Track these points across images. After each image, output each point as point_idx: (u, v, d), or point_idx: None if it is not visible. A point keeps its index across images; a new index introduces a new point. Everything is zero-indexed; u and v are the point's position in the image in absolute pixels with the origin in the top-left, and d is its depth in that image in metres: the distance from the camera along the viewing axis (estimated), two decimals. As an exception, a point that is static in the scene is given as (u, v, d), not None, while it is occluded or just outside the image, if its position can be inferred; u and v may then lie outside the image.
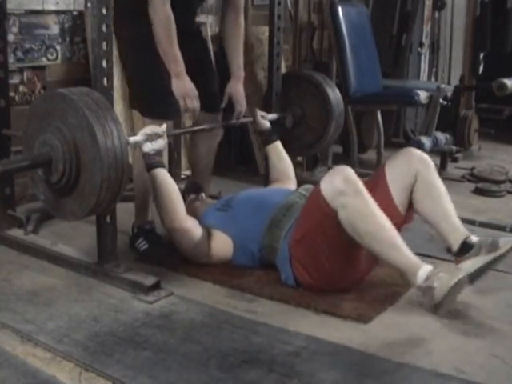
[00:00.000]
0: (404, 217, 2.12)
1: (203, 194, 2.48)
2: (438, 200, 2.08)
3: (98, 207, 1.87)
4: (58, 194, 1.93)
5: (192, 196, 2.45)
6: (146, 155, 2.11)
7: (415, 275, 1.81)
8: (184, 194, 2.44)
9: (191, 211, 2.36)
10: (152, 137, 2.10)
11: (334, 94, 2.94)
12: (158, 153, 2.12)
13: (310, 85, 2.95)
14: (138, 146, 2.12)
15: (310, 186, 2.29)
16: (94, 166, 1.78)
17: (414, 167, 2.10)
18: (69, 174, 1.84)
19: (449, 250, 2.12)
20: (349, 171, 1.90)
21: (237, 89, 2.53)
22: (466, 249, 2.01)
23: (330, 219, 1.87)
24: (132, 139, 2.08)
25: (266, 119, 2.68)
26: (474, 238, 2.02)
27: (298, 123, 2.95)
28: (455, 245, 2.03)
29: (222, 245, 2.19)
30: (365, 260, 2.01)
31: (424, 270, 1.81)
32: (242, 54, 2.56)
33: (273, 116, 2.78)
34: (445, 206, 2.08)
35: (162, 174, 2.12)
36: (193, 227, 2.16)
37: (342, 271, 1.98)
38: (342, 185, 1.86)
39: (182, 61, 2.25)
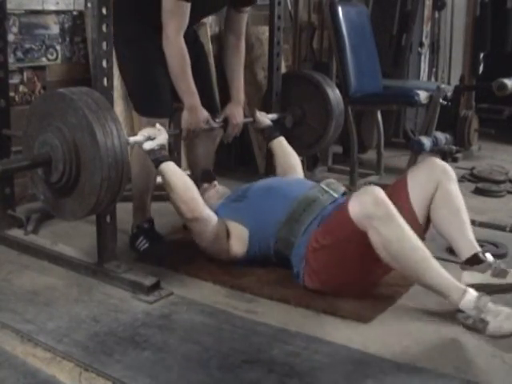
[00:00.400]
0: (424, 228, 2.09)
1: (216, 183, 2.45)
2: (457, 213, 2.05)
3: (98, 207, 1.87)
4: (58, 193, 1.93)
5: (205, 185, 2.42)
6: (151, 152, 2.08)
7: (459, 300, 1.76)
8: (197, 183, 2.43)
9: (205, 200, 2.33)
10: (152, 135, 2.09)
11: (334, 94, 2.94)
12: (163, 147, 2.10)
13: (309, 85, 2.96)
14: (138, 145, 2.12)
15: (333, 182, 2.24)
16: (94, 165, 1.78)
17: (435, 177, 2.07)
18: (69, 173, 1.84)
19: (451, 250, 2.12)
20: (379, 193, 1.84)
21: (235, 112, 2.51)
22: (474, 261, 1.99)
23: (357, 239, 1.84)
24: (132, 139, 2.08)
25: (265, 117, 2.67)
26: (487, 255, 2.01)
27: (297, 123, 2.95)
28: (465, 255, 2.01)
29: (240, 237, 2.15)
30: (381, 272, 1.99)
31: (470, 295, 1.75)
32: (242, 78, 2.56)
33: (273, 116, 2.78)
34: (462, 219, 2.05)
35: (173, 166, 2.10)
36: (212, 216, 2.13)
37: (357, 283, 1.96)
38: (371, 207, 1.81)
39: (196, 93, 2.26)
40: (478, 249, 2.02)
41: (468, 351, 1.70)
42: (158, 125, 2.15)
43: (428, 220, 2.09)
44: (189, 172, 3.17)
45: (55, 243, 2.34)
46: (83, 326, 1.81)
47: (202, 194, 2.35)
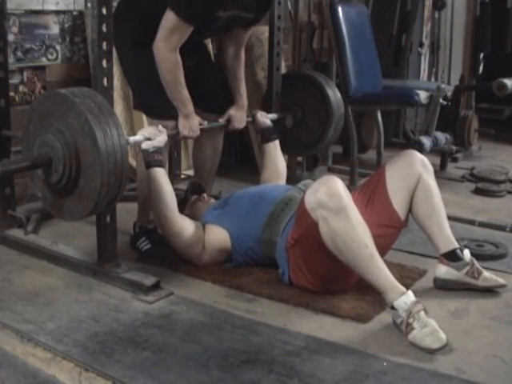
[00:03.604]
0: (404, 220, 2.12)
1: (205, 195, 2.48)
2: (436, 208, 2.09)
3: (96, 210, 1.88)
4: (57, 194, 1.93)
5: (194, 197, 2.45)
6: (144, 152, 2.11)
7: (396, 299, 1.77)
8: (186, 194, 2.45)
9: (194, 212, 2.36)
10: (152, 135, 2.11)
11: (336, 97, 2.92)
12: (158, 150, 2.12)
13: (311, 86, 2.94)
14: (137, 145, 2.13)
15: (309, 181, 2.28)
16: (94, 170, 1.78)
17: (416, 170, 2.09)
18: (68, 176, 1.84)
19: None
20: (334, 184, 1.84)
21: (238, 116, 2.53)
22: (452, 257, 2.06)
23: (315, 227, 1.86)
24: (132, 139, 2.08)
25: (266, 118, 2.68)
26: (464, 253, 2.06)
27: (297, 123, 2.94)
28: (444, 249, 2.07)
29: (217, 235, 2.18)
30: None
31: (408, 298, 1.76)
32: (244, 83, 2.57)
33: (273, 116, 2.78)
34: (442, 215, 2.10)
35: (159, 174, 2.11)
36: (185, 226, 2.15)
37: (337, 274, 1.97)
38: (324, 197, 1.82)
39: (190, 102, 2.26)
40: (457, 245, 2.08)
41: (468, 351, 1.70)
42: (160, 126, 2.16)
43: (408, 211, 2.12)
44: (191, 172, 3.19)
45: (55, 243, 2.34)
46: (83, 326, 1.81)
47: (191, 206, 2.40)
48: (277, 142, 2.65)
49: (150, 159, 2.11)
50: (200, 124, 2.36)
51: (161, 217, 2.14)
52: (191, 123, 2.30)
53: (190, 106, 2.28)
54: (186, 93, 2.24)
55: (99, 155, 1.76)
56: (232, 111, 2.52)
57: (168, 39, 2.14)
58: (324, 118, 2.90)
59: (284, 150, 2.70)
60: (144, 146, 2.10)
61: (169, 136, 2.22)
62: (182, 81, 2.21)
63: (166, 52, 2.16)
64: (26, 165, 1.90)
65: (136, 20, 2.26)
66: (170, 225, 2.14)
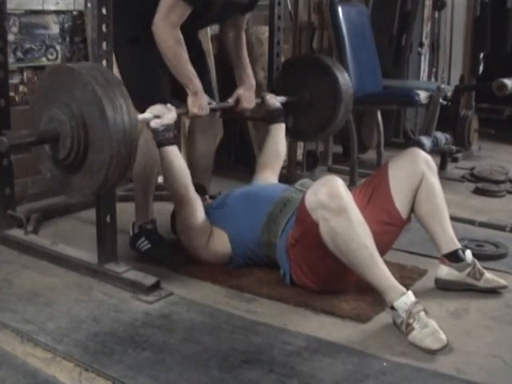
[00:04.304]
0: (406, 219, 2.12)
1: (207, 197, 2.47)
2: (439, 208, 2.09)
3: (106, 184, 1.82)
4: (65, 170, 1.88)
5: None
6: (155, 131, 2.08)
7: (396, 299, 1.77)
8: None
9: None
10: (160, 113, 2.08)
11: (344, 79, 2.83)
12: (168, 128, 2.10)
13: (319, 68, 2.86)
14: (145, 123, 2.09)
15: (306, 181, 2.28)
16: (103, 141, 1.73)
17: (420, 169, 2.09)
18: (77, 150, 1.78)
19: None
20: (335, 184, 1.84)
21: (247, 95, 2.51)
22: (454, 257, 2.05)
23: (316, 227, 1.86)
24: (140, 116, 2.04)
25: (275, 100, 2.66)
26: (466, 253, 2.06)
27: (306, 107, 2.85)
28: (446, 250, 2.07)
29: (220, 241, 2.19)
30: None
31: (408, 298, 1.76)
32: (249, 64, 2.56)
33: (281, 98, 2.72)
34: (444, 215, 2.09)
35: (172, 153, 2.10)
36: (199, 208, 2.17)
37: (338, 273, 1.97)
38: (325, 198, 1.82)
39: (197, 77, 2.25)
40: (459, 245, 2.08)
41: (468, 351, 1.70)
42: (169, 104, 2.14)
43: (411, 210, 2.12)
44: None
45: (55, 243, 2.34)
46: (83, 326, 1.81)
47: None
48: (283, 125, 2.64)
49: (161, 138, 2.09)
50: (209, 103, 2.33)
51: (176, 195, 2.15)
52: (201, 101, 2.27)
53: (198, 82, 2.25)
54: (191, 68, 2.22)
55: (107, 125, 1.71)
56: (240, 91, 2.51)
57: (167, 16, 2.14)
58: (333, 100, 2.81)
59: (293, 134, 2.65)
60: (153, 124, 2.07)
61: (178, 114, 2.19)
62: (186, 57, 2.20)
63: (166, 29, 2.15)
64: (32, 139, 1.84)
65: (130, 16, 2.25)
66: (186, 202, 2.15)
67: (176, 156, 2.13)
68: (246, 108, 2.55)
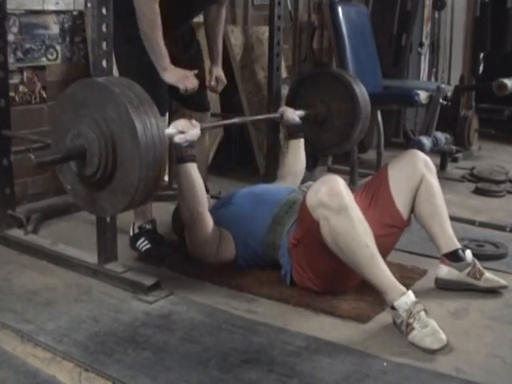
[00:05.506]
0: (406, 220, 2.12)
1: (209, 196, 2.47)
2: (439, 209, 2.10)
3: (132, 205, 1.79)
4: (90, 187, 1.83)
5: None
6: (178, 146, 2.05)
7: (396, 299, 1.77)
8: None
9: None
10: (185, 128, 2.06)
11: (363, 96, 2.81)
12: (191, 145, 2.07)
13: (338, 83, 2.84)
14: (170, 138, 2.05)
15: (311, 183, 2.28)
16: (132, 164, 1.69)
17: (419, 170, 2.10)
18: (104, 169, 1.74)
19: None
20: (336, 183, 1.84)
21: (221, 73, 2.58)
22: (454, 257, 2.06)
23: (316, 227, 1.86)
24: (166, 131, 2.00)
25: (294, 115, 2.65)
26: (466, 253, 2.07)
27: (323, 122, 2.84)
28: (446, 249, 2.08)
29: (227, 246, 2.18)
30: None
31: (408, 298, 1.76)
32: (221, 42, 2.62)
33: (300, 113, 2.71)
34: (444, 215, 2.10)
35: (193, 170, 2.08)
36: (211, 225, 2.14)
37: (339, 274, 1.97)
38: (325, 197, 1.82)
39: (167, 54, 2.23)
40: (459, 245, 2.08)
41: (468, 351, 1.70)
42: (193, 120, 2.13)
43: (410, 210, 2.12)
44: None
45: (55, 243, 2.34)
46: (83, 326, 1.81)
47: None
48: (302, 140, 2.64)
49: (184, 154, 2.06)
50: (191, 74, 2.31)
51: (193, 212, 2.11)
52: (178, 72, 2.24)
53: (167, 58, 2.22)
54: (163, 46, 2.20)
55: (139, 147, 1.66)
56: (216, 71, 2.57)
57: None
58: (351, 117, 2.80)
59: (308, 148, 2.65)
60: (177, 139, 2.04)
61: (201, 130, 2.17)
62: (161, 34, 2.18)
63: (149, 3, 2.13)
64: (59, 157, 1.80)
65: (127, 15, 2.25)
66: (201, 220, 2.12)
67: (196, 172, 2.10)
68: (220, 88, 2.59)
